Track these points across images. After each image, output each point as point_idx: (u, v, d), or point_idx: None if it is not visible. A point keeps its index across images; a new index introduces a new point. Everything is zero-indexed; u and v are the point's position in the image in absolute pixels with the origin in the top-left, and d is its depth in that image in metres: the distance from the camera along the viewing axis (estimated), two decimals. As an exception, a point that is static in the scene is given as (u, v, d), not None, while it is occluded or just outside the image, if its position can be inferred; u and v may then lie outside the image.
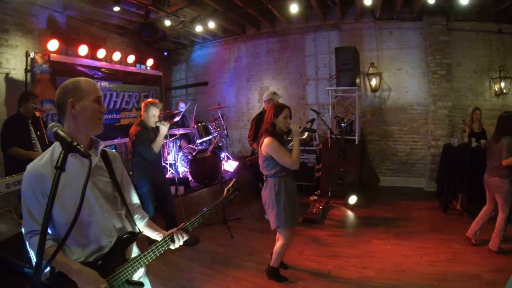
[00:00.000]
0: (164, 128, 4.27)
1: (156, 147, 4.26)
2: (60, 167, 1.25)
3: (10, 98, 5.64)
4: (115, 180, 1.79)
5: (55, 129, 1.40)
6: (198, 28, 7.92)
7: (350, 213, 6.01)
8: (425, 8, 6.85)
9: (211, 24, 7.76)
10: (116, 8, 6.21)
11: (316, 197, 6.68)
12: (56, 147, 1.63)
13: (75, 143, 1.34)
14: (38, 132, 4.38)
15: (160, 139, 4.28)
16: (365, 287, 3.55)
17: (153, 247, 1.79)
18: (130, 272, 1.73)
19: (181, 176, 6.59)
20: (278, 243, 3.67)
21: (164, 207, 4.67)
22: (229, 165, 7.11)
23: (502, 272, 3.61)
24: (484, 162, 5.31)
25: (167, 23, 7.31)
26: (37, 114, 4.43)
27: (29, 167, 1.60)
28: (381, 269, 3.90)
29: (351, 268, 3.96)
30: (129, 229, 1.82)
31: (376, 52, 7.78)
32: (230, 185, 2.26)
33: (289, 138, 3.65)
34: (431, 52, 7.16)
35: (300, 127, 3.38)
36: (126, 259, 1.76)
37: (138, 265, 1.75)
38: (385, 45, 7.73)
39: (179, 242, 1.89)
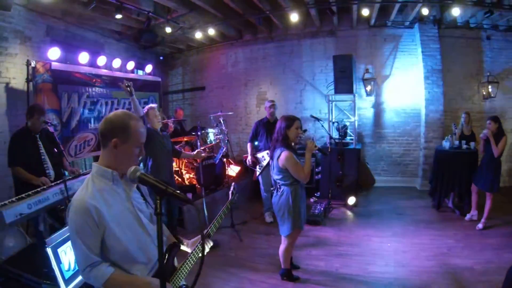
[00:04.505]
0: None
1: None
2: (160, 213, 1.39)
3: (11, 108, 5.61)
4: (144, 199, 1.89)
5: (138, 173, 1.52)
6: (198, 35, 8.03)
7: (349, 213, 6.33)
8: (418, 16, 7.19)
9: (211, 31, 7.92)
10: (119, 16, 6.21)
11: (316, 199, 6.98)
12: (95, 178, 1.71)
13: (170, 190, 1.45)
14: (56, 149, 4.29)
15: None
16: (371, 282, 3.87)
17: (191, 255, 1.98)
18: (181, 278, 1.91)
19: (186, 183, 6.74)
20: (283, 246, 3.88)
21: (167, 217, 4.76)
22: (232, 170, 7.30)
23: (492, 264, 4.04)
24: (474, 163, 5.70)
25: (168, 29, 7.39)
26: (50, 129, 4.38)
27: (79, 201, 1.62)
28: (383, 264, 4.23)
29: (356, 265, 4.27)
30: (169, 240, 2.00)
31: (371, 58, 8.11)
32: (232, 189, 2.59)
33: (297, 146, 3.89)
34: (423, 58, 7.49)
35: (315, 146, 3.66)
36: (175, 267, 1.93)
37: (185, 271, 1.93)
38: (379, 51, 8.07)
39: (207, 248, 2.12)
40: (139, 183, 1.55)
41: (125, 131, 1.71)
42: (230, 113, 8.24)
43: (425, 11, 6.57)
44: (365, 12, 6.74)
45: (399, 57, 7.96)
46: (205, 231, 2.14)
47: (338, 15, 7.76)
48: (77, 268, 3.25)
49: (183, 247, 2.13)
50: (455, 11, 6.33)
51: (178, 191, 1.49)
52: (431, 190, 6.37)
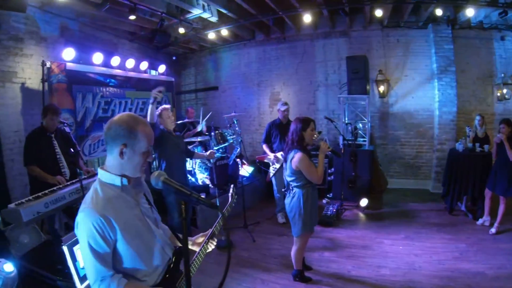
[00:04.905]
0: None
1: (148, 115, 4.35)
2: (185, 218, 1.42)
3: (26, 108, 5.74)
4: (150, 204, 1.86)
5: (162, 178, 1.52)
6: (211, 35, 8.09)
7: (362, 215, 6.34)
8: (431, 17, 7.13)
9: (224, 31, 7.98)
10: (132, 17, 6.26)
11: (329, 200, 6.99)
12: (102, 186, 1.67)
13: (195, 196, 1.46)
14: (72, 149, 4.36)
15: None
16: (382, 285, 3.90)
17: (197, 256, 1.99)
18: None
19: (200, 183, 6.80)
20: (295, 248, 3.96)
21: (180, 218, 4.82)
22: (245, 170, 7.32)
23: (505, 269, 4.04)
24: (488, 166, 5.65)
25: (181, 30, 7.42)
26: (66, 129, 4.43)
27: (89, 211, 1.56)
28: (395, 267, 4.26)
29: (368, 267, 4.31)
30: (173, 243, 1.98)
31: (384, 59, 8.07)
32: (231, 191, 2.56)
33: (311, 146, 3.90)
34: (437, 59, 7.44)
35: (328, 147, 3.71)
36: (181, 271, 1.91)
37: (191, 274, 1.89)
38: (392, 52, 8.02)
39: (212, 247, 2.12)
40: (162, 188, 1.52)
41: (133, 136, 1.64)
42: (243, 113, 8.31)
43: (438, 12, 6.52)
44: (378, 13, 6.71)
45: (412, 58, 7.91)
46: (210, 231, 2.14)
47: (350, 16, 7.80)
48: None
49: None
50: (469, 12, 6.28)
51: (203, 197, 1.49)
52: (444, 193, 6.32)
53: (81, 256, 1.61)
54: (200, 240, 2.16)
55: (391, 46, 8.06)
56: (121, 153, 1.63)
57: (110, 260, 1.60)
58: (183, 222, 1.40)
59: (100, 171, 1.71)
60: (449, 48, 7.41)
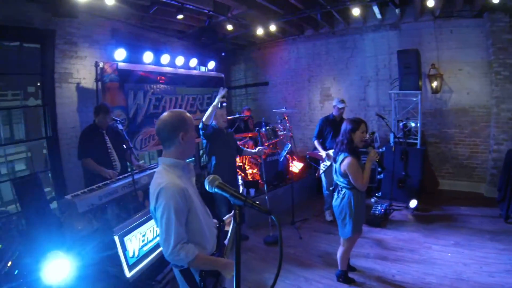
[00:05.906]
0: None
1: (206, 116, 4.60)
2: (240, 223, 1.51)
3: (81, 106, 6.21)
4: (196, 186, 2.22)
5: (217, 182, 1.61)
6: (259, 31, 8.11)
7: (411, 217, 6.16)
8: (487, 5, 6.61)
9: (272, 27, 7.97)
10: (180, 16, 6.53)
11: (377, 199, 6.90)
12: (168, 169, 2.00)
13: (249, 201, 1.53)
14: (124, 145, 4.69)
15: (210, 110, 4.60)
16: (428, 293, 3.84)
17: (231, 233, 2.27)
18: (229, 253, 2.21)
19: (250, 178, 6.95)
20: (342, 249, 4.02)
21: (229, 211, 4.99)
22: (295, 166, 7.30)
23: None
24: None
25: (229, 27, 7.54)
26: (119, 126, 4.73)
27: (172, 184, 1.88)
28: (442, 276, 4.14)
29: (414, 273, 4.25)
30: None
31: (437, 52, 7.67)
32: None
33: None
34: (494, 51, 6.89)
35: (377, 156, 3.71)
36: (225, 243, 2.26)
37: (232, 246, 2.19)
38: (445, 44, 7.59)
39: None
40: (219, 191, 1.61)
41: (183, 122, 2.04)
42: (294, 110, 8.36)
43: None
44: (430, 3, 6.36)
45: (467, 50, 7.38)
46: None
47: (400, 7, 7.47)
48: (141, 254, 3.68)
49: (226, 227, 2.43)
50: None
51: (257, 202, 1.57)
52: (500, 198, 5.96)
53: (162, 226, 1.89)
54: (229, 220, 2.48)
55: (444, 38, 7.61)
56: (183, 139, 2.02)
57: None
58: (237, 228, 1.49)
59: (162, 159, 2.08)
60: (507, 39, 6.78)
